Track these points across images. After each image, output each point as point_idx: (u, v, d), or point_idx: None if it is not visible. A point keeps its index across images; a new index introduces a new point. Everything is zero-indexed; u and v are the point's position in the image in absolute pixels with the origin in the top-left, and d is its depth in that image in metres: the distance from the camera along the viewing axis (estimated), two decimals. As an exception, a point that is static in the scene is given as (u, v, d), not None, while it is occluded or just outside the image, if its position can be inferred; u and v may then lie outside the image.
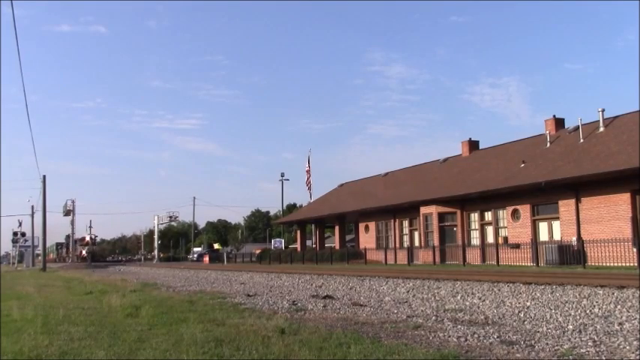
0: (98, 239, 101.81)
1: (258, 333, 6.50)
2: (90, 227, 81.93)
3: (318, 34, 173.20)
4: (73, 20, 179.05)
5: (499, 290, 10.88)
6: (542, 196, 28.99)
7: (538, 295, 9.89)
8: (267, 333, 6.48)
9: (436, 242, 35.09)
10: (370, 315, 8.45)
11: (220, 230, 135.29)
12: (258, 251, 62.21)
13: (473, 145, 40.65)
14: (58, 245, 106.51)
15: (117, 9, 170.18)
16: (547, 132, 33.27)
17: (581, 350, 5.42)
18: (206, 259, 65.76)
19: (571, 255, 25.87)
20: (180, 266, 42.15)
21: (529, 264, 27.34)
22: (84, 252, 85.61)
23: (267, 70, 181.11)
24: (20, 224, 70.32)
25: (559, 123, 33.89)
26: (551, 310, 8.19)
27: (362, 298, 11.25)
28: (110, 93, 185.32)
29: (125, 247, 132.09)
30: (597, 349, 5.43)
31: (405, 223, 40.68)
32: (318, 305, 9.89)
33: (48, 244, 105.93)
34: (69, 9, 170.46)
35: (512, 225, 31.28)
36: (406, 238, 40.44)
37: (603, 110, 30.43)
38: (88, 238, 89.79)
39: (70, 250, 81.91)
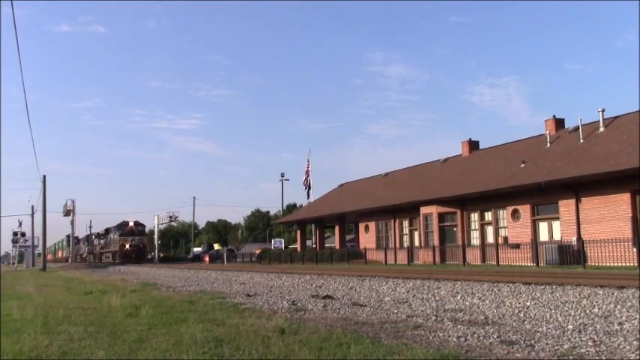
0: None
1: (258, 333, 6.50)
2: (90, 227, 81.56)
3: (317, 34, 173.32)
4: (72, 20, 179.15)
5: (499, 290, 10.88)
6: (542, 196, 28.99)
7: (538, 295, 9.89)
8: (267, 333, 6.48)
9: (436, 242, 35.09)
10: (370, 315, 8.45)
11: (220, 230, 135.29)
12: (258, 251, 62.22)
13: (473, 145, 40.66)
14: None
15: (116, 9, 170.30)
16: (547, 132, 33.28)
17: (581, 350, 5.42)
18: (206, 259, 65.79)
19: (571, 255, 25.88)
20: (180, 266, 42.14)
21: (529, 264, 27.35)
22: (127, 246, 60.43)
23: (267, 70, 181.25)
24: (20, 224, 70.22)
25: (559, 123, 33.91)
26: (551, 310, 8.19)
27: (362, 298, 11.26)
28: (110, 93, 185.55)
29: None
30: (597, 349, 5.44)
31: (405, 223, 40.69)
32: (318, 305, 9.90)
33: (56, 240, 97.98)
34: (68, 9, 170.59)
35: (512, 225, 31.28)
36: (406, 238, 40.45)
37: (603, 110, 30.45)
38: (131, 224, 63.01)
39: (71, 249, 79.90)
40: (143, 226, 66.64)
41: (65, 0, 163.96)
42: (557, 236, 28.57)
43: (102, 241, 72.01)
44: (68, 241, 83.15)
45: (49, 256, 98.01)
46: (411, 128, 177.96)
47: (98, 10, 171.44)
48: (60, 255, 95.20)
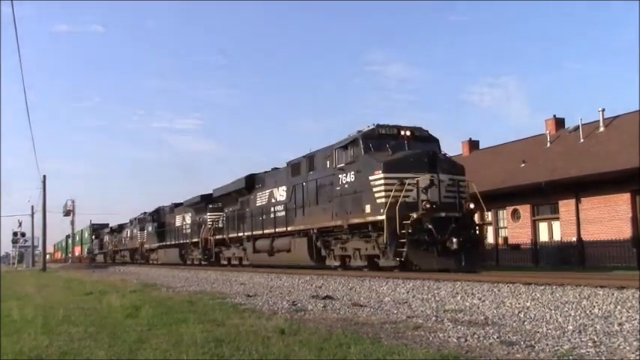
0: None
1: (258, 333, 6.50)
2: (90, 227, 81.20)
3: (317, 34, 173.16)
4: (71, 20, 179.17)
5: (499, 291, 10.88)
6: (542, 196, 29.00)
7: (538, 295, 9.89)
8: (267, 333, 6.48)
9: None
10: (370, 315, 8.45)
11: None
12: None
13: (473, 145, 40.66)
14: (97, 230, 64.99)
15: (114, 9, 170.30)
16: (547, 132, 33.29)
17: (581, 351, 5.43)
18: None
19: (571, 255, 25.89)
20: (180, 266, 42.12)
21: (529, 264, 27.35)
22: None
23: (266, 70, 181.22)
24: (20, 224, 69.91)
25: (559, 123, 33.90)
26: (551, 310, 8.19)
27: (362, 298, 11.26)
28: (109, 93, 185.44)
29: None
30: (597, 350, 5.44)
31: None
32: (318, 306, 9.89)
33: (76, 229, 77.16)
34: (66, 9, 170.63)
35: (512, 225, 31.28)
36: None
37: (603, 110, 30.46)
38: (407, 133, 17.17)
39: (71, 249, 78.59)
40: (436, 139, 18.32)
41: (64, 0, 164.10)
42: (557, 236, 28.57)
43: (220, 214, 29.09)
44: (93, 232, 64.97)
45: (58, 255, 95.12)
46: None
47: (96, 10, 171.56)
48: (78, 252, 71.88)
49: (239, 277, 19.85)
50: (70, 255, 76.75)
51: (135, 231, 47.36)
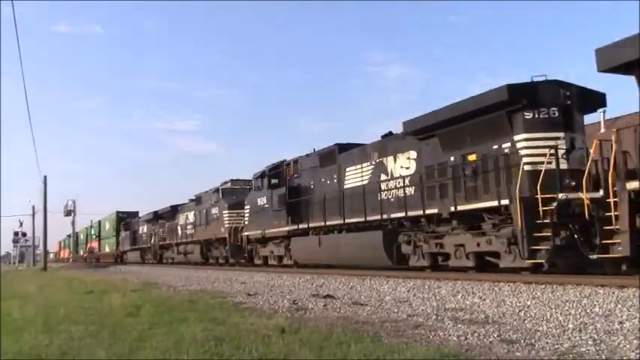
0: None
1: (258, 332, 6.50)
2: (91, 227, 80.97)
3: (317, 34, 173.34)
4: (71, 20, 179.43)
5: (499, 289, 10.88)
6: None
7: (538, 294, 9.89)
8: (268, 332, 6.48)
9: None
10: (371, 314, 8.45)
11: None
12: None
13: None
14: (124, 220, 50.70)
15: (114, 9, 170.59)
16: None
17: (582, 349, 5.43)
18: None
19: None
20: (180, 266, 42.13)
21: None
22: None
23: (267, 70, 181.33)
24: (21, 224, 69.79)
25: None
26: (552, 309, 8.19)
27: (362, 297, 11.26)
28: (109, 93, 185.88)
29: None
30: (597, 348, 5.44)
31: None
32: (318, 304, 9.90)
33: (101, 217, 66.62)
34: (66, 9, 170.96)
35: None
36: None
37: (604, 111, 30.35)
38: None
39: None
40: None
41: (64, 0, 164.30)
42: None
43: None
44: (119, 222, 51.09)
45: (65, 253, 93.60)
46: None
47: (96, 11, 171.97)
48: (94, 248, 57.85)
49: (239, 277, 19.87)
50: (80, 253, 74.75)
51: (214, 211, 29.22)
